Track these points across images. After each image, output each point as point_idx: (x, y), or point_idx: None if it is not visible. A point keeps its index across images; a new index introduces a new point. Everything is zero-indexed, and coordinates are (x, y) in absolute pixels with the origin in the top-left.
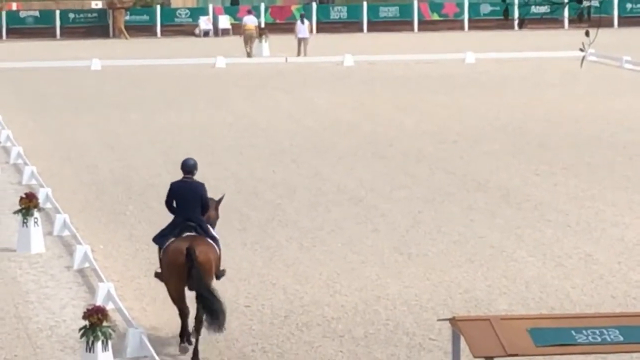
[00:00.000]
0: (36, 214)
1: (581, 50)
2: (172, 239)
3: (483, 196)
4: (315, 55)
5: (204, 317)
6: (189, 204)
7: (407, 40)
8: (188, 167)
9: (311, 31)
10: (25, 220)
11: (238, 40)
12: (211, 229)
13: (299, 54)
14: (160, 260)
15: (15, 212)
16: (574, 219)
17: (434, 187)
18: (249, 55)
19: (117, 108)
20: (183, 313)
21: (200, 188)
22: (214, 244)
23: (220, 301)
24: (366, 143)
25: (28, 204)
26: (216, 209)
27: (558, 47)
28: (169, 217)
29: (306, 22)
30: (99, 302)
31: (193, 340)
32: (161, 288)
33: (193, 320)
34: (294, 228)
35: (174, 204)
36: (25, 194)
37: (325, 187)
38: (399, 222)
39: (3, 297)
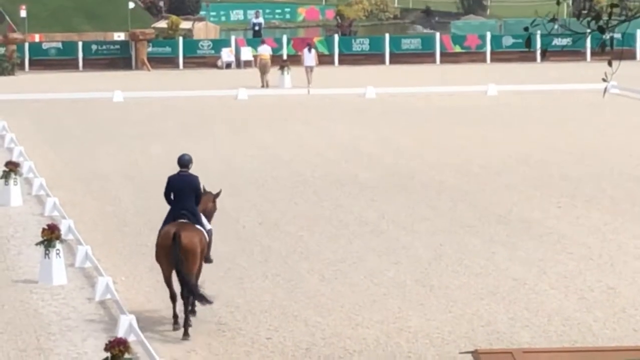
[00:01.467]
0: (58, 245)
1: (604, 80)
2: (166, 224)
3: (505, 229)
4: (337, 87)
5: (183, 290)
6: (185, 195)
7: (429, 73)
8: (184, 162)
9: (317, 61)
10: (47, 252)
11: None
12: (203, 218)
13: (308, 82)
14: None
15: (38, 244)
16: (596, 251)
17: (455, 220)
18: (264, 85)
19: (139, 140)
20: (172, 296)
21: (194, 180)
22: (202, 230)
23: (194, 285)
24: (388, 175)
25: (50, 236)
26: (214, 202)
27: (580, 79)
28: None
29: (313, 51)
30: (120, 334)
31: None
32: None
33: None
34: (316, 260)
35: (171, 196)
36: (48, 225)
37: (346, 219)
38: (421, 255)
39: (25, 329)
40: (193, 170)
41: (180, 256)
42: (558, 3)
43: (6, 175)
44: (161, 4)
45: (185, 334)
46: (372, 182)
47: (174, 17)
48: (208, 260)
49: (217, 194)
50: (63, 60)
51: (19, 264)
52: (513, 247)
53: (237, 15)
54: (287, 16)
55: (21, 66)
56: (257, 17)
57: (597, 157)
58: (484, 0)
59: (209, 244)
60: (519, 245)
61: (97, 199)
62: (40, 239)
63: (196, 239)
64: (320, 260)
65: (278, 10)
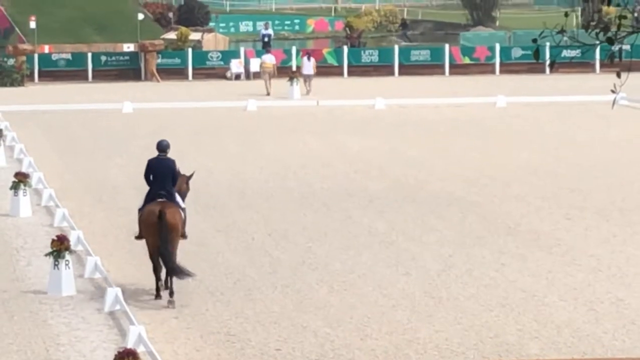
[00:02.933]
0: (67, 256)
1: (612, 91)
2: (148, 204)
3: (514, 240)
4: (346, 98)
5: (166, 265)
6: (163, 177)
7: (438, 84)
8: (162, 146)
9: (316, 70)
10: (56, 263)
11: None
12: (179, 198)
13: (306, 90)
14: (139, 222)
15: (47, 255)
16: (605, 263)
17: (464, 231)
18: (268, 92)
19: (148, 150)
20: (156, 269)
21: (171, 163)
22: (179, 209)
23: (174, 262)
24: (397, 186)
25: (59, 247)
26: (187, 183)
27: (589, 91)
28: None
29: (312, 59)
30: (130, 345)
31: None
32: (192, 330)
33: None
34: (325, 271)
35: (151, 177)
36: (57, 236)
37: (356, 231)
38: (430, 266)
39: (34, 340)
40: (203, 182)
41: (166, 232)
42: (566, 15)
43: (15, 186)
44: (170, 15)
45: (171, 302)
46: (381, 194)
47: (183, 29)
48: (184, 236)
49: (190, 176)
50: (72, 72)
51: (28, 274)
52: (522, 258)
53: (246, 26)
54: (297, 27)
55: (31, 77)
56: (266, 28)
57: (606, 169)
58: (493, 12)
59: (184, 221)
60: (528, 256)
61: (107, 210)
62: (50, 249)
63: (178, 216)
64: (330, 272)
65: (287, 22)
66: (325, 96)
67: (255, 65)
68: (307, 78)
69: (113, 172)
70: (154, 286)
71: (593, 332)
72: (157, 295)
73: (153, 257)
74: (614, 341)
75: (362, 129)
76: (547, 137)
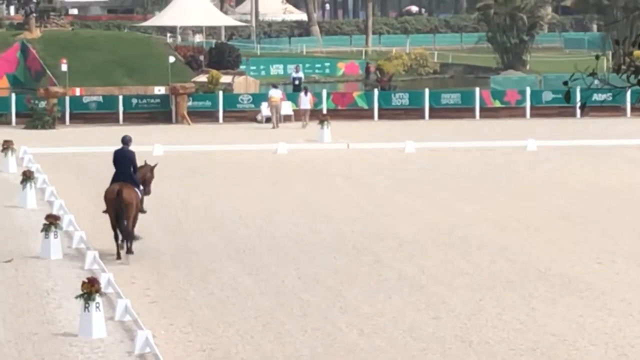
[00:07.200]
0: (98, 298)
1: None
2: (111, 184)
3: (544, 284)
4: (376, 142)
5: (122, 233)
6: (124, 164)
7: (468, 127)
8: (125, 140)
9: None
10: (87, 305)
11: (300, 126)
12: (138, 181)
13: (302, 125)
14: (103, 199)
15: (77, 297)
16: (636, 307)
17: (495, 275)
18: (274, 126)
19: (179, 193)
20: (115, 237)
21: (130, 154)
22: (136, 189)
23: (130, 231)
24: (427, 230)
25: (90, 289)
26: (151, 172)
27: (620, 134)
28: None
29: (309, 94)
30: None
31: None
32: None
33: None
34: (355, 314)
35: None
36: (87, 278)
37: (385, 274)
38: (460, 310)
39: None
40: (233, 225)
41: (123, 206)
42: (597, 57)
43: (46, 229)
44: (201, 58)
45: (129, 252)
46: (411, 237)
47: (214, 72)
48: (142, 211)
49: (154, 166)
50: (103, 114)
51: (58, 317)
52: (553, 302)
53: (277, 69)
54: (327, 71)
55: (62, 120)
56: (297, 71)
57: (637, 213)
58: (523, 56)
59: (141, 200)
60: (559, 300)
61: (137, 253)
62: (80, 292)
63: (133, 195)
64: (359, 315)
65: (318, 65)
66: (355, 139)
67: (286, 108)
68: (304, 112)
69: (143, 215)
70: (183, 328)
71: None
72: (118, 257)
73: (114, 226)
74: None
75: (392, 173)
76: (578, 181)
